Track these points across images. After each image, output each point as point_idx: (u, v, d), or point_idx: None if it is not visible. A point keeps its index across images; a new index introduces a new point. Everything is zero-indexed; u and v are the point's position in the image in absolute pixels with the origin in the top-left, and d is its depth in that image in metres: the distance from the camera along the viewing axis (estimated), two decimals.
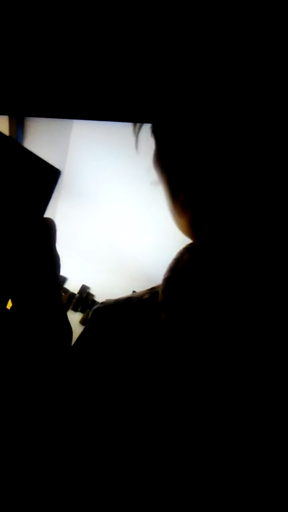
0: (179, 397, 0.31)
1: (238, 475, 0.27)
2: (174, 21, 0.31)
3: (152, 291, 0.42)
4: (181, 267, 0.39)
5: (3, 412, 0.31)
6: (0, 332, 0.30)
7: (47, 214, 0.32)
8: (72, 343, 0.38)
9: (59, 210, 2.10)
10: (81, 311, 2.50)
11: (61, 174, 0.32)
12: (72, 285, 2.56)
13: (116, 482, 0.31)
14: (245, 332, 0.31)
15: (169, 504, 0.28)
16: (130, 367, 0.36)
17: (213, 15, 0.30)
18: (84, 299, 2.53)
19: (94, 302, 2.49)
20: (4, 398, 0.31)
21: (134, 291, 0.44)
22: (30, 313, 0.31)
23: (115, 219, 2.05)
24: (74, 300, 2.51)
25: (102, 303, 0.45)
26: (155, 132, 0.37)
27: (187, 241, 0.41)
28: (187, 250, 0.41)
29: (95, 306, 0.44)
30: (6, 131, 1.46)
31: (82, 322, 2.42)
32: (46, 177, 0.31)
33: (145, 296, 0.42)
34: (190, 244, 0.41)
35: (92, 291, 2.57)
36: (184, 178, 0.34)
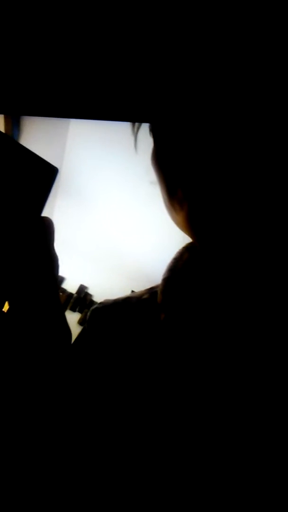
0: (178, 397, 0.31)
1: (237, 473, 0.27)
2: (172, 19, 0.30)
3: (151, 291, 0.42)
4: (180, 266, 0.39)
5: (3, 413, 0.30)
6: None
7: (44, 213, 0.31)
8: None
9: (57, 209, 2.09)
10: (79, 311, 2.50)
11: (59, 172, 0.32)
12: (70, 285, 2.56)
13: (115, 481, 0.30)
14: (245, 332, 0.31)
15: (169, 504, 0.28)
16: (128, 367, 0.35)
17: (211, 13, 0.29)
18: (82, 299, 2.52)
19: (92, 302, 2.49)
20: (4, 400, 0.30)
21: (132, 291, 0.44)
22: (28, 315, 0.30)
23: (113, 218, 2.05)
24: (72, 300, 2.51)
25: (100, 303, 0.44)
26: (153, 131, 0.37)
27: (187, 240, 0.40)
28: (186, 250, 0.40)
29: (93, 306, 0.44)
30: (1, 129, 1.45)
31: (80, 322, 2.42)
32: (44, 175, 0.30)
33: (144, 296, 0.42)
34: (190, 244, 0.41)
35: (90, 291, 2.56)
36: (181, 175, 0.33)
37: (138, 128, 0.40)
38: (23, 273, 0.30)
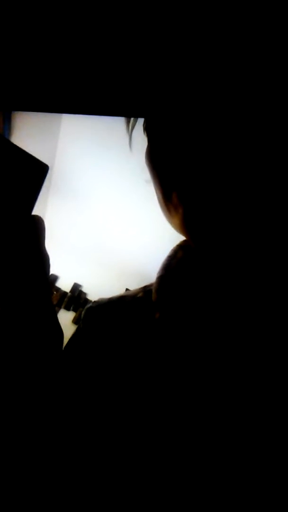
0: (174, 396, 0.31)
1: (236, 472, 0.27)
2: (170, 13, 0.30)
3: (146, 290, 0.42)
4: (175, 265, 0.39)
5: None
6: None
7: (36, 211, 0.31)
8: (65, 343, 0.39)
9: (50, 206, 2.07)
10: (74, 310, 2.48)
11: (50, 169, 0.31)
12: (64, 284, 2.54)
13: (113, 483, 0.30)
14: (241, 331, 0.30)
15: (169, 504, 0.28)
16: (124, 367, 0.35)
17: (209, 8, 0.28)
18: (76, 297, 2.51)
19: (87, 300, 2.48)
20: None
21: (127, 289, 0.44)
22: (18, 315, 0.30)
23: (107, 215, 2.04)
24: (66, 299, 2.50)
25: (94, 302, 0.44)
26: (148, 130, 0.36)
27: (181, 237, 0.40)
28: (180, 248, 0.40)
29: (88, 305, 0.44)
30: None
31: (75, 321, 2.41)
32: (34, 173, 0.30)
33: (139, 295, 0.41)
34: (184, 242, 0.41)
35: (84, 289, 2.55)
36: (176, 177, 0.33)
37: (133, 126, 0.39)
38: (13, 272, 0.29)
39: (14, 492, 0.30)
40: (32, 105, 0.37)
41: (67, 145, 1.65)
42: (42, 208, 2.05)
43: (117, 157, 1.57)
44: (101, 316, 0.41)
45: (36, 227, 0.30)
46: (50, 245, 0.32)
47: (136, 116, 0.38)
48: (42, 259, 0.31)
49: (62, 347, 0.33)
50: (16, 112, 1.45)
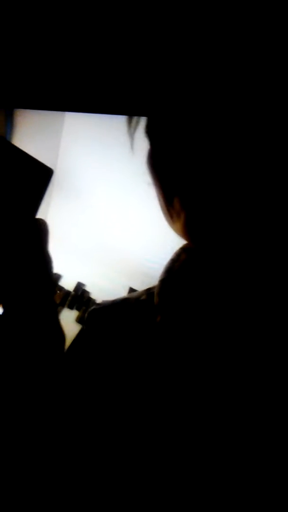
0: (174, 399, 0.31)
1: (235, 473, 0.27)
2: (171, 12, 0.29)
3: (149, 292, 0.42)
4: (177, 268, 0.39)
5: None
6: None
7: (39, 210, 0.31)
8: (68, 343, 0.39)
9: (53, 205, 2.07)
10: (77, 309, 2.49)
11: (54, 170, 0.31)
12: (67, 283, 2.55)
13: (114, 484, 0.30)
14: (241, 336, 0.30)
15: (169, 504, 0.28)
16: (126, 369, 0.35)
17: (209, 8, 0.28)
18: (79, 296, 2.52)
19: (90, 299, 2.49)
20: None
21: (131, 288, 0.44)
22: (21, 318, 0.30)
23: (110, 214, 2.04)
24: (69, 298, 2.50)
25: (98, 304, 0.44)
26: (149, 133, 0.36)
27: None
28: (183, 251, 0.40)
29: (91, 308, 0.44)
30: None
31: (78, 320, 2.41)
32: (39, 177, 0.30)
33: (142, 297, 0.41)
34: (187, 244, 0.41)
35: (88, 288, 2.56)
36: (178, 183, 0.33)
37: (135, 128, 0.39)
38: (17, 275, 0.29)
39: (14, 492, 0.30)
40: (34, 103, 0.37)
41: (70, 144, 1.65)
42: (45, 206, 2.05)
43: (121, 156, 1.57)
44: (104, 318, 0.42)
45: (40, 231, 0.31)
46: (53, 244, 0.32)
47: (139, 115, 0.38)
48: (45, 262, 0.31)
49: (64, 349, 0.34)
50: (18, 110, 1.45)
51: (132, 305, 0.41)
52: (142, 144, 0.39)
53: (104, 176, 1.79)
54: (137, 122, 0.39)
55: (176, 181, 0.33)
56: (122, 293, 2.14)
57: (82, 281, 2.57)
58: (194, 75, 0.30)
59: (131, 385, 0.34)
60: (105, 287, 2.38)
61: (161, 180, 0.35)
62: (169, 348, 0.34)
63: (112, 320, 0.41)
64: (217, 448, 0.28)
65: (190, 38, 0.29)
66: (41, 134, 1.59)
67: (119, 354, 0.37)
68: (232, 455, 0.27)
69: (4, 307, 0.30)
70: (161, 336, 0.35)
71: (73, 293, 2.53)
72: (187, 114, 0.31)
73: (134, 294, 0.44)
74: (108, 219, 2.09)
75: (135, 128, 0.39)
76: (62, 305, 2.48)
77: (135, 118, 0.38)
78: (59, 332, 0.33)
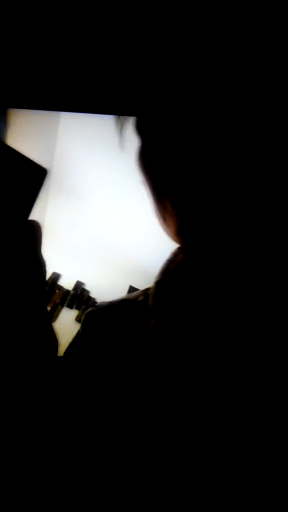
0: (170, 403, 0.31)
1: (235, 474, 0.27)
2: (167, 12, 0.29)
3: (146, 293, 0.41)
4: (173, 269, 0.38)
5: None
6: None
7: (36, 209, 0.30)
8: (66, 343, 0.39)
9: (51, 204, 2.06)
10: (77, 308, 2.49)
11: (49, 171, 0.30)
12: (67, 282, 2.54)
13: (113, 486, 0.30)
14: (235, 340, 0.30)
15: (169, 504, 0.28)
16: (121, 373, 0.35)
17: (206, 7, 0.28)
18: (79, 295, 2.51)
19: (90, 298, 2.49)
20: None
21: (131, 286, 0.44)
22: (13, 323, 0.29)
23: (109, 212, 2.04)
24: (68, 297, 2.50)
25: (95, 305, 0.44)
26: (140, 130, 0.35)
27: None
28: (181, 250, 0.40)
29: (88, 310, 0.43)
30: None
31: (78, 319, 2.41)
32: (33, 177, 0.29)
33: (140, 298, 0.41)
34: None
35: (87, 287, 2.56)
36: (169, 183, 0.32)
37: (123, 125, 0.38)
38: (8, 279, 0.28)
39: (14, 492, 0.30)
40: (28, 102, 0.37)
41: (66, 142, 1.64)
42: (43, 205, 2.04)
43: (118, 154, 1.56)
44: (100, 320, 0.41)
45: (33, 233, 0.30)
46: (52, 243, 0.32)
47: (134, 115, 0.37)
48: (38, 266, 0.30)
49: (56, 354, 0.33)
50: (12, 110, 1.44)
51: (129, 307, 0.41)
52: (134, 142, 0.38)
53: (102, 173, 1.78)
54: (125, 119, 0.38)
55: (167, 180, 0.32)
56: (122, 291, 2.14)
57: (81, 280, 2.57)
58: (186, 75, 0.29)
59: (127, 388, 0.34)
60: (105, 286, 2.38)
61: (152, 178, 0.34)
62: (163, 351, 0.33)
63: (108, 322, 0.40)
64: (214, 448, 0.28)
65: (180, 37, 0.29)
66: (36, 134, 1.58)
67: (114, 356, 0.37)
68: (230, 455, 0.27)
69: None
70: (155, 339, 0.35)
71: (72, 292, 2.52)
72: (178, 112, 0.30)
73: (132, 295, 0.44)
74: (107, 217, 2.09)
75: (122, 125, 0.39)
76: (61, 304, 2.48)
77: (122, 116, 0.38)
78: (51, 337, 0.32)
